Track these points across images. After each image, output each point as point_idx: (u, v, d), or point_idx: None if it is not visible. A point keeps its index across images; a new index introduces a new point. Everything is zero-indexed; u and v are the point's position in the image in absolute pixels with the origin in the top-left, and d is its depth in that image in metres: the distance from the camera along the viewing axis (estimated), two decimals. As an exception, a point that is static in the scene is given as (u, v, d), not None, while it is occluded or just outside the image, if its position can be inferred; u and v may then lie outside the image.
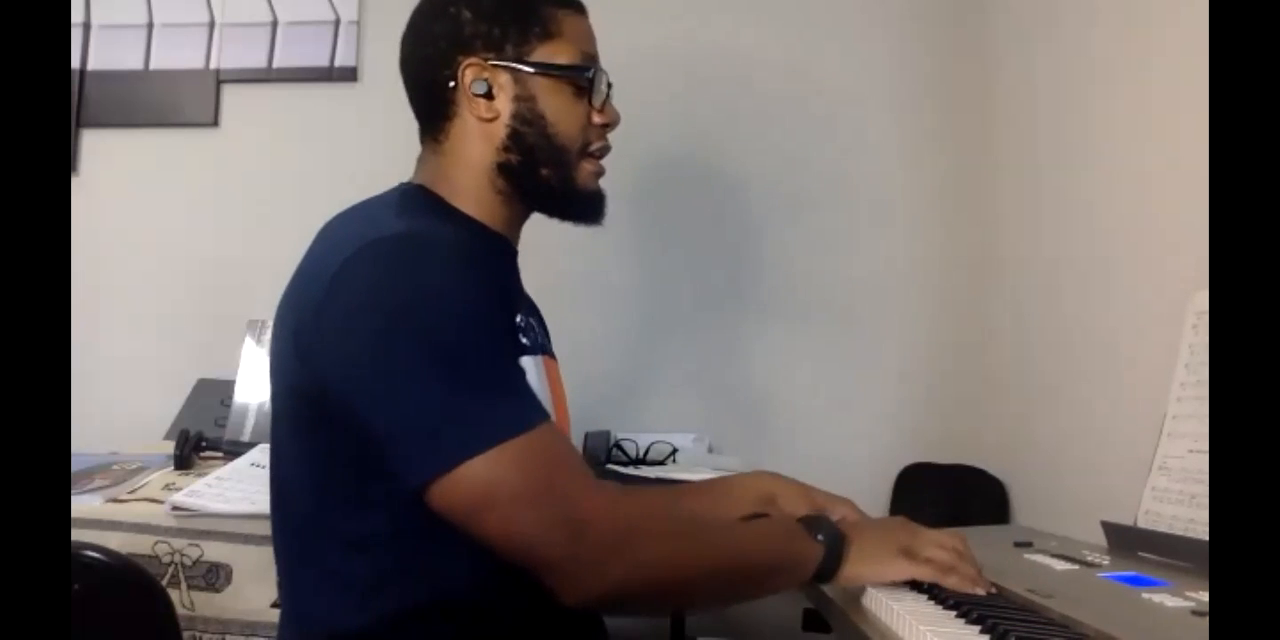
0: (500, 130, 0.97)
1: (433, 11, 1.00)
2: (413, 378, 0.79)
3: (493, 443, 0.76)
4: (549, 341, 1.06)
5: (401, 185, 1.00)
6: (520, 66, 0.96)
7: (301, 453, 0.89)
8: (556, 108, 0.97)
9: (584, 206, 1.02)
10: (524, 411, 0.80)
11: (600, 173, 1.03)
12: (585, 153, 1.00)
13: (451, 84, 0.97)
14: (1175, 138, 1.26)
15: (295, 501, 0.91)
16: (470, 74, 0.96)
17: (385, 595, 0.84)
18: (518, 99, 0.97)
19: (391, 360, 0.79)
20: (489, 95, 0.96)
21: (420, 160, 1.03)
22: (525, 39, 0.97)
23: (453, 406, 0.78)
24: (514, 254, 1.04)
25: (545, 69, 0.97)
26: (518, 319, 0.95)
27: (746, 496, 1.08)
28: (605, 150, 1.03)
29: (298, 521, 0.91)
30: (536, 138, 0.97)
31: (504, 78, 0.97)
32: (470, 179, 0.98)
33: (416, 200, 0.97)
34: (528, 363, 0.92)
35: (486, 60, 0.96)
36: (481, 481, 0.76)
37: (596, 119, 1.01)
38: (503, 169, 0.97)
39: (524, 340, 0.95)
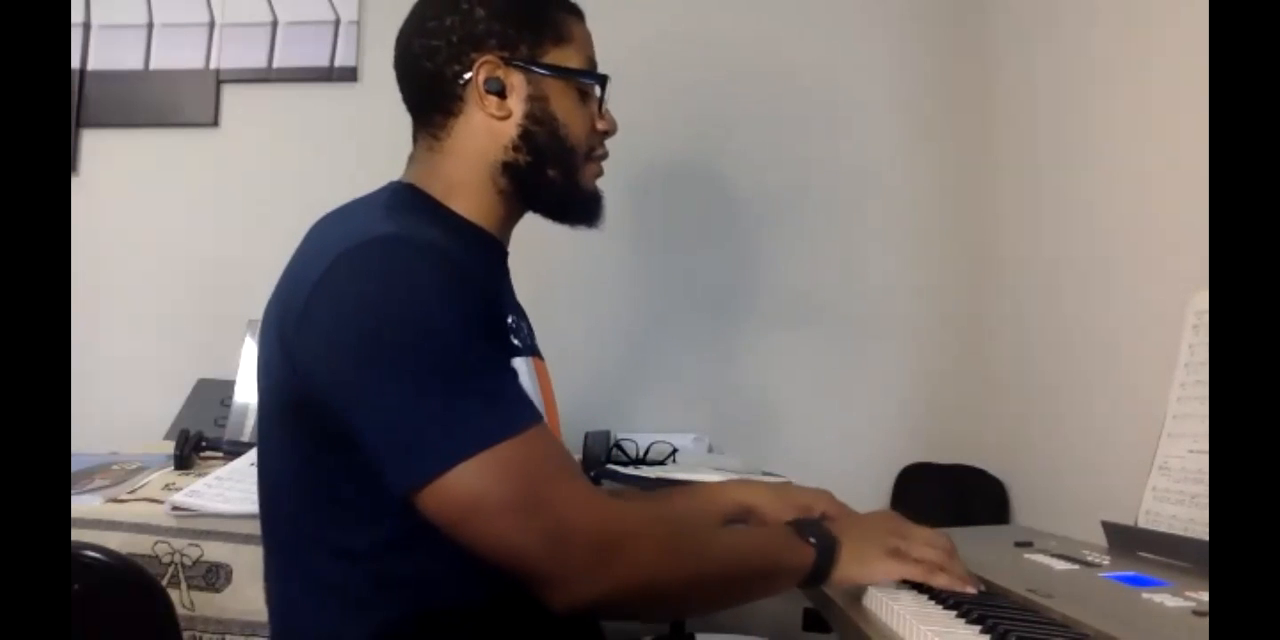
0: (511, 129, 0.97)
1: (441, 5, 0.98)
2: (400, 383, 0.77)
3: (481, 447, 0.75)
4: (536, 344, 1.06)
5: (391, 184, 0.99)
6: (536, 67, 0.97)
7: (288, 460, 0.88)
8: (566, 110, 0.98)
9: (584, 208, 1.03)
10: (514, 415, 0.79)
11: (600, 174, 1.04)
12: (588, 157, 1.01)
13: (462, 80, 0.96)
14: (1175, 138, 1.26)
15: (282, 510, 0.90)
16: (485, 71, 0.96)
17: (375, 605, 0.84)
18: (531, 99, 0.97)
19: (378, 365, 0.78)
20: (501, 94, 0.96)
21: (413, 158, 1.01)
22: (539, 41, 0.97)
23: (441, 411, 0.77)
24: (504, 255, 1.03)
25: (559, 72, 0.98)
26: (509, 320, 0.94)
27: (721, 506, 1.09)
28: (605, 156, 1.04)
29: (285, 530, 0.90)
30: (547, 138, 0.97)
31: (517, 77, 0.96)
32: (470, 176, 0.97)
33: (406, 200, 0.95)
34: (519, 364, 0.91)
35: (502, 59, 0.96)
36: (469, 487, 0.75)
37: (599, 125, 1.02)
38: (508, 168, 0.97)
39: (515, 341, 0.94)
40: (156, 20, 2.14)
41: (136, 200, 2.09)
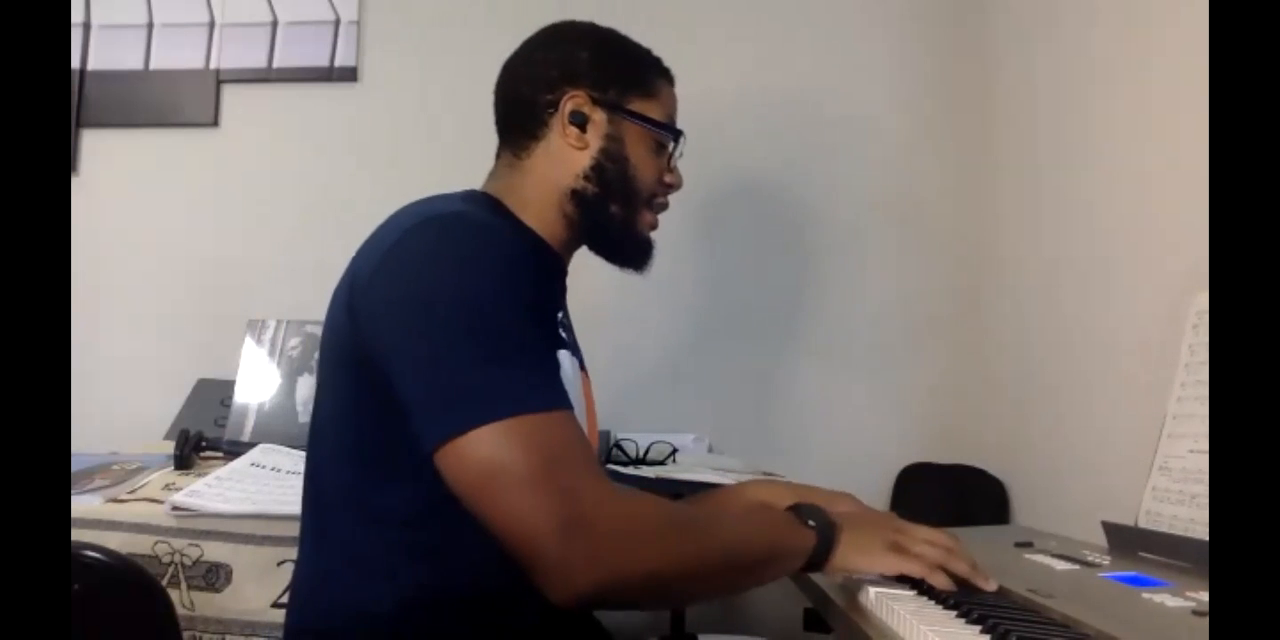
0: (585, 160, 1.05)
1: (550, 42, 1.09)
2: (446, 345, 0.81)
3: (507, 414, 0.77)
4: (582, 357, 1.08)
5: (469, 190, 1.05)
6: (619, 110, 1.05)
7: (336, 422, 0.92)
8: (639, 155, 1.07)
9: (635, 250, 1.11)
10: (547, 393, 0.81)
11: (655, 225, 1.12)
12: (649, 204, 1.09)
13: (551, 109, 1.05)
14: (1175, 138, 1.26)
15: (328, 475, 0.93)
16: (572, 104, 1.05)
17: (402, 575, 0.86)
18: (608, 137, 1.05)
19: (428, 327, 0.81)
20: (583, 127, 1.04)
21: (493, 173, 1.09)
22: (628, 90, 1.07)
23: (478, 375, 0.79)
24: (564, 271, 1.09)
25: (640, 119, 1.06)
26: (559, 316, 0.98)
27: (740, 506, 1.10)
28: (664, 207, 1.12)
29: (328, 496, 0.93)
30: (616, 175, 1.05)
31: (601, 115, 1.05)
32: (541, 197, 1.05)
33: (481, 202, 1.02)
34: (563, 357, 0.93)
35: (591, 97, 1.04)
36: (488, 453, 0.76)
37: (667, 178, 1.10)
38: (576, 195, 1.04)
39: (563, 335, 0.97)
40: (156, 20, 2.14)
41: (136, 200, 2.09)
